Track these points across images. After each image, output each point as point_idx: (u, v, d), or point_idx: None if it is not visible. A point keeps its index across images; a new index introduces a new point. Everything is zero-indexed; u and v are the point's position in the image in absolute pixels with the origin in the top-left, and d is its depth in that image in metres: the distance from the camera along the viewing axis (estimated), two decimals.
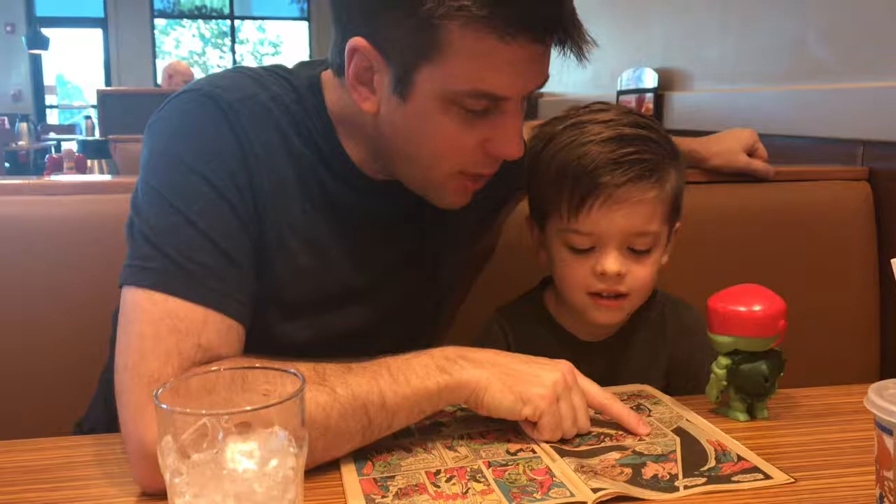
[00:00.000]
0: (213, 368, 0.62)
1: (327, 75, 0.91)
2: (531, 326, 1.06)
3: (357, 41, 0.81)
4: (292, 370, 0.60)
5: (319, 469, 0.75)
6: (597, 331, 1.05)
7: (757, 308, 0.87)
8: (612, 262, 0.95)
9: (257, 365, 0.62)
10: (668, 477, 0.74)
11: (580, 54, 0.81)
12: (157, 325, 0.76)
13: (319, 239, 0.91)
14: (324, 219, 0.91)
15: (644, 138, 0.97)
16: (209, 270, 0.79)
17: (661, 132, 0.99)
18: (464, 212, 0.95)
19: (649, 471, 0.76)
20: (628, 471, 0.75)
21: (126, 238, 0.83)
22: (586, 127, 0.97)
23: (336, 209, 0.92)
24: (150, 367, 0.75)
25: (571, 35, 0.80)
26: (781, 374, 0.89)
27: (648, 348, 1.07)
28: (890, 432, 0.59)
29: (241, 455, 0.55)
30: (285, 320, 0.90)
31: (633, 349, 1.06)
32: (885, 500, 0.61)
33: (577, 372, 0.85)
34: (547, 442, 0.82)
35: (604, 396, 0.86)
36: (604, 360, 1.05)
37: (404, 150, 0.87)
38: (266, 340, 0.84)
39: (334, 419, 0.75)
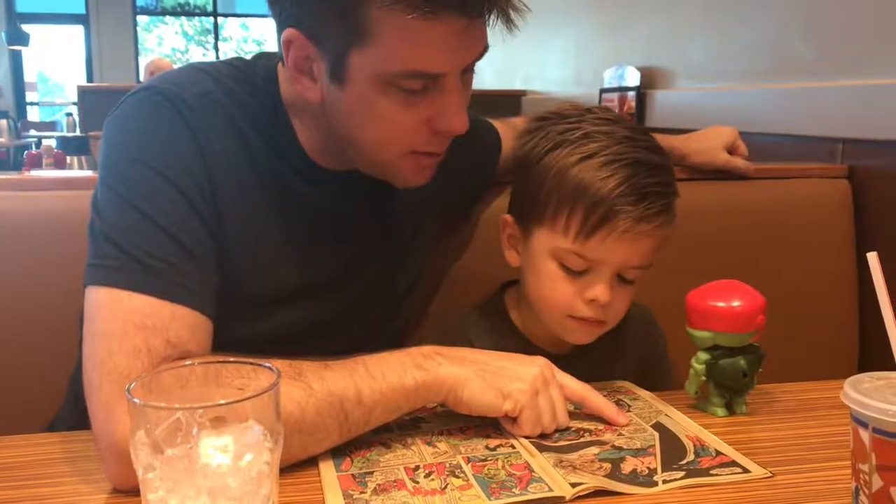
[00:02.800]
0: (185, 363, 0.61)
1: (281, 67, 0.91)
2: (495, 339, 1.01)
3: (290, 32, 0.81)
4: (267, 364, 0.59)
5: (297, 465, 0.75)
6: (563, 343, 1.01)
7: (736, 304, 0.88)
8: (605, 291, 0.91)
9: (231, 360, 0.61)
10: (646, 471, 0.74)
11: (508, 23, 0.79)
12: (123, 323, 0.75)
13: (277, 233, 0.90)
14: (281, 213, 0.90)
15: (663, 168, 0.93)
16: (172, 266, 0.78)
17: (669, 159, 0.95)
18: (429, 198, 0.94)
19: (628, 465, 0.76)
20: (607, 465, 0.75)
21: (88, 238, 0.82)
22: (600, 140, 0.91)
23: (293, 203, 0.91)
24: (119, 363, 0.74)
25: (497, 3, 0.78)
26: (760, 369, 0.90)
27: (612, 353, 1.05)
28: (865, 425, 0.60)
29: (215, 450, 0.54)
30: (243, 316, 0.89)
31: (597, 357, 1.03)
32: (861, 492, 0.61)
33: (553, 367, 0.85)
34: (527, 437, 0.81)
35: (582, 388, 0.86)
36: (572, 371, 0.95)
37: (351, 136, 0.86)
38: (221, 337, 0.83)
39: (310, 415, 0.74)
